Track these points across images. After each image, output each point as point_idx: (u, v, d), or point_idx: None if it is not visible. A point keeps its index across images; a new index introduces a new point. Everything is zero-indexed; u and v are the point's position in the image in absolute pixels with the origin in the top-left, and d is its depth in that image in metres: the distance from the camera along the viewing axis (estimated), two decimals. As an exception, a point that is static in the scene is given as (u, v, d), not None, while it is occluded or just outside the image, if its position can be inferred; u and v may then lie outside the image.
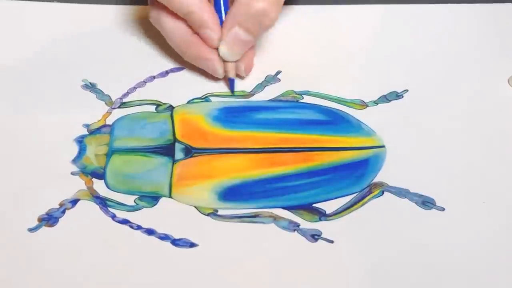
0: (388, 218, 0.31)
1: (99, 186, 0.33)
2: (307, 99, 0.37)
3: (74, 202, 0.32)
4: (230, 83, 0.38)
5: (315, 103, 0.37)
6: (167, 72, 0.39)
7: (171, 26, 0.36)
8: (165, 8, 0.35)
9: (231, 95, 0.37)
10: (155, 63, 0.39)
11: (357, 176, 0.33)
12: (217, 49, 0.36)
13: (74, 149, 0.34)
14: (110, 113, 0.36)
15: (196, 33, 0.36)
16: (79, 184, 0.33)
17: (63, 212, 0.31)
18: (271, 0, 0.34)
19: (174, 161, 0.34)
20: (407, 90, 0.38)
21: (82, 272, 0.29)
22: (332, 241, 0.30)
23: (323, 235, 0.31)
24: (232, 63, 0.37)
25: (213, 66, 0.37)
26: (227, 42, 0.35)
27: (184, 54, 0.37)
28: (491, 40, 0.41)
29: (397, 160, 0.34)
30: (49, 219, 0.31)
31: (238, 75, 0.38)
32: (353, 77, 0.39)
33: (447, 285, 0.29)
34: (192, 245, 0.30)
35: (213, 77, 0.38)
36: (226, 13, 0.36)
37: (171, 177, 0.33)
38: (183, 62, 0.39)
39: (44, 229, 0.31)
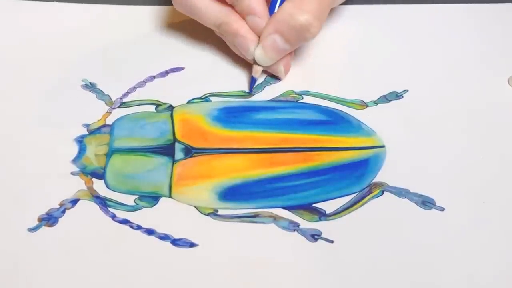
0: (388, 218, 0.31)
1: (99, 186, 0.33)
2: (307, 99, 0.37)
3: (74, 202, 0.32)
4: (252, 81, 0.38)
5: (315, 103, 0.37)
6: (167, 72, 0.39)
7: (207, 3, 0.36)
8: None
9: (231, 95, 0.37)
10: (155, 63, 0.39)
11: (357, 176, 0.33)
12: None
13: (74, 149, 0.34)
14: (110, 113, 0.36)
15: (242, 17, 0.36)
16: (79, 184, 0.33)
17: (63, 212, 0.31)
18: (315, 14, 0.34)
19: (174, 161, 0.34)
20: (407, 90, 0.38)
21: (82, 272, 0.29)
22: (332, 241, 0.30)
23: (323, 235, 0.31)
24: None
25: (247, 45, 0.36)
26: (264, 46, 0.36)
27: (219, 26, 0.37)
28: (491, 40, 0.41)
29: (397, 160, 0.34)
30: (49, 219, 0.31)
31: (275, 77, 0.38)
32: (353, 77, 0.39)
33: (447, 285, 0.29)
34: (192, 245, 0.30)
35: (213, 77, 0.38)
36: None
37: (171, 177, 0.33)
38: (183, 62, 0.39)
39: (44, 229, 0.31)
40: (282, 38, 0.35)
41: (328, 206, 0.32)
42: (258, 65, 0.37)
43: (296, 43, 0.36)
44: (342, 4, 0.42)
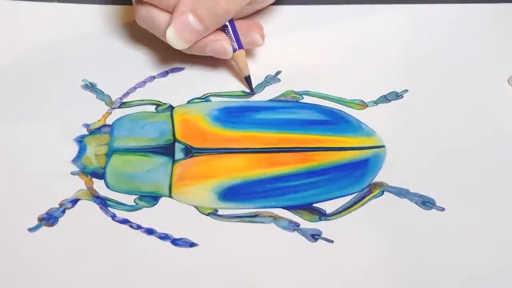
0: (388, 218, 0.31)
1: (99, 186, 0.33)
2: (307, 99, 0.37)
3: (74, 202, 0.32)
4: (248, 81, 0.37)
5: (315, 103, 0.37)
6: (167, 72, 0.39)
7: (164, 21, 0.36)
8: (155, 6, 0.35)
9: (231, 95, 0.37)
10: (155, 63, 0.39)
11: (357, 176, 0.33)
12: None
13: (74, 149, 0.34)
14: (110, 113, 0.36)
15: None
16: (79, 184, 0.33)
17: (63, 212, 0.31)
18: None
19: (174, 161, 0.34)
20: (407, 90, 0.38)
21: (82, 272, 0.29)
22: (332, 241, 0.30)
23: (323, 235, 0.31)
24: (244, 60, 0.37)
25: (222, 45, 0.36)
26: (176, 27, 0.34)
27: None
28: (491, 40, 0.41)
29: (397, 160, 0.34)
30: (49, 219, 0.31)
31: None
32: (353, 77, 0.39)
33: (447, 285, 0.29)
34: (192, 245, 0.30)
35: (213, 77, 0.38)
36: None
37: (171, 177, 0.33)
38: (183, 62, 0.39)
39: (44, 229, 0.31)
40: (194, 16, 0.34)
41: (328, 206, 0.32)
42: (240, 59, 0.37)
43: (209, 22, 0.35)
44: (341, 4, 0.43)
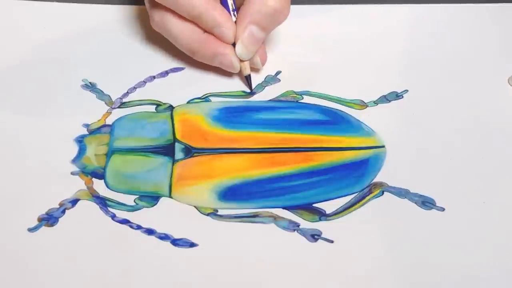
0: (388, 218, 0.31)
1: (99, 186, 0.32)
2: (307, 99, 0.37)
3: (74, 202, 0.32)
4: (248, 80, 0.38)
5: (315, 103, 0.37)
6: (167, 72, 0.39)
7: (179, 29, 0.36)
8: (170, 11, 0.36)
9: (231, 95, 0.37)
10: (155, 63, 0.39)
11: (357, 176, 0.33)
12: (232, 44, 0.36)
13: (74, 149, 0.34)
14: (110, 113, 0.36)
15: (207, 31, 0.36)
16: (79, 184, 0.33)
17: (63, 212, 0.31)
18: None
19: (174, 161, 0.34)
20: (407, 90, 0.38)
21: (82, 272, 0.29)
22: (332, 241, 0.30)
23: (323, 235, 0.31)
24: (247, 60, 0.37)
25: (230, 61, 0.37)
26: (244, 41, 0.36)
27: (197, 54, 0.37)
28: (491, 40, 0.41)
29: (397, 160, 0.34)
30: (49, 219, 0.31)
31: (253, 69, 0.38)
32: (353, 77, 0.39)
33: (447, 285, 0.29)
34: (192, 245, 0.30)
35: (213, 77, 0.38)
36: (232, 9, 0.37)
37: (171, 177, 0.33)
38: (183, 62, 0.39)
39: (44, 229, 0.31)
40: (258, 27, 0.36)
41: (328, 206, 0.32)
42: (243, 61, 0.37)
43: (270, 29, 0.37)
44: (341, 4, 0.43)
